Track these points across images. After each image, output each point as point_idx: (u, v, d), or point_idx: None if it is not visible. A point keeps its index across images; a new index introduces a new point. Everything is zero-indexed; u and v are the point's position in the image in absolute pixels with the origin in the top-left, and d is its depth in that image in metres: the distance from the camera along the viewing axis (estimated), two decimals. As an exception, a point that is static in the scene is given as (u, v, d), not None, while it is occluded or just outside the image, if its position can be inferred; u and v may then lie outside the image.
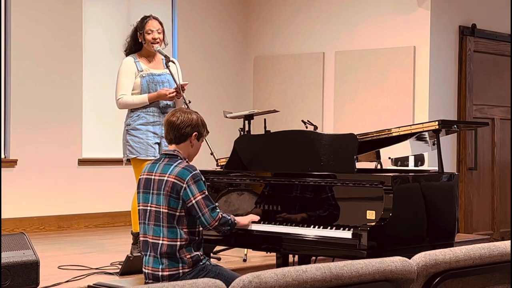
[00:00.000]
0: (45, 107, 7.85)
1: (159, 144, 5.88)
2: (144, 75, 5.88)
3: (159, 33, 5.91)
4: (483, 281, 3.14)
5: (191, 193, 4.13)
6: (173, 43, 8.86)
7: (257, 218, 4.54)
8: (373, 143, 4.88)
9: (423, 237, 4.43)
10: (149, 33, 5.89)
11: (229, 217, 4.26)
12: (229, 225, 4.25)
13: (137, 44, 5.97)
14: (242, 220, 4.44)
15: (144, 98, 5.84)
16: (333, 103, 8.64)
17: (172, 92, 5.81)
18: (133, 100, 5.85)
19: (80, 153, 8.11)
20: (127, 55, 5.99)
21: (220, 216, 4.18)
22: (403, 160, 7.24)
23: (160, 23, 5.95)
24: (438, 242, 4.43)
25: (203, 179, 4.22)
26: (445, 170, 4.65)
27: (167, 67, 5.88)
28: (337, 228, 4.30)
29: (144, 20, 5.93)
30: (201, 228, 4.23)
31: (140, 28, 5.93)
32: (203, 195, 4.15)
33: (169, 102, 5.92)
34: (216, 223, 4.16)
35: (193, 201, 4.13)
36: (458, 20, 8.37)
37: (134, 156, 5.83)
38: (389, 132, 4.75)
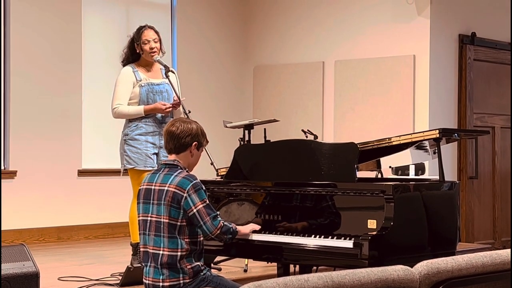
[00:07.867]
0: (45, 118, 7.84)
1: (157, 154, 5.85)
2: (143, 85, 5.86)
3: (155, 42, 5.90)
4: (485, 290, 3.12)
5: (192, 202, 4.12)
6: (172, 53, 8.86)
7: (258, 227, 4.54)
8: (374, 152, 4.87)
9: (424, 246, 4.41)
10: (146, 43, 5.87)
11: (231, 225, 4.25)
12: (231, 233, 4.24)
13: (134, 55, 5.95)
14: (243, 229, 4.44)
15: (140, 109, 5.81)
16: (333, 112, 8.63)
17: (169, 107, 5.79)
18: (128, 111, 5.83)
19: (80, 164, 8.10)
20: (124, 65, 5.98)
21: (222, 224, 4.17)
22: (404, 169, 7.22)
23: (156, 32, 5.94)
24: (440, 251, 4.41)
25: (204, 188, 4.21)
26: (446, 179, 4.64)
27: (167, 77, 5.88)
28: (338, 237, 4.28)
29: (140, 30, 5.92)
30: (202, 238, 4.22)
31: (136, 39, 5.91)
32: (204, 204, 4.14)
33: None
34: (218, 231, 4.15)
35: (194, 210, 4.12)
36: (457, 28, 8.37)
37: (132, 166, 5.79)
38: (389, 141, 4.74)
